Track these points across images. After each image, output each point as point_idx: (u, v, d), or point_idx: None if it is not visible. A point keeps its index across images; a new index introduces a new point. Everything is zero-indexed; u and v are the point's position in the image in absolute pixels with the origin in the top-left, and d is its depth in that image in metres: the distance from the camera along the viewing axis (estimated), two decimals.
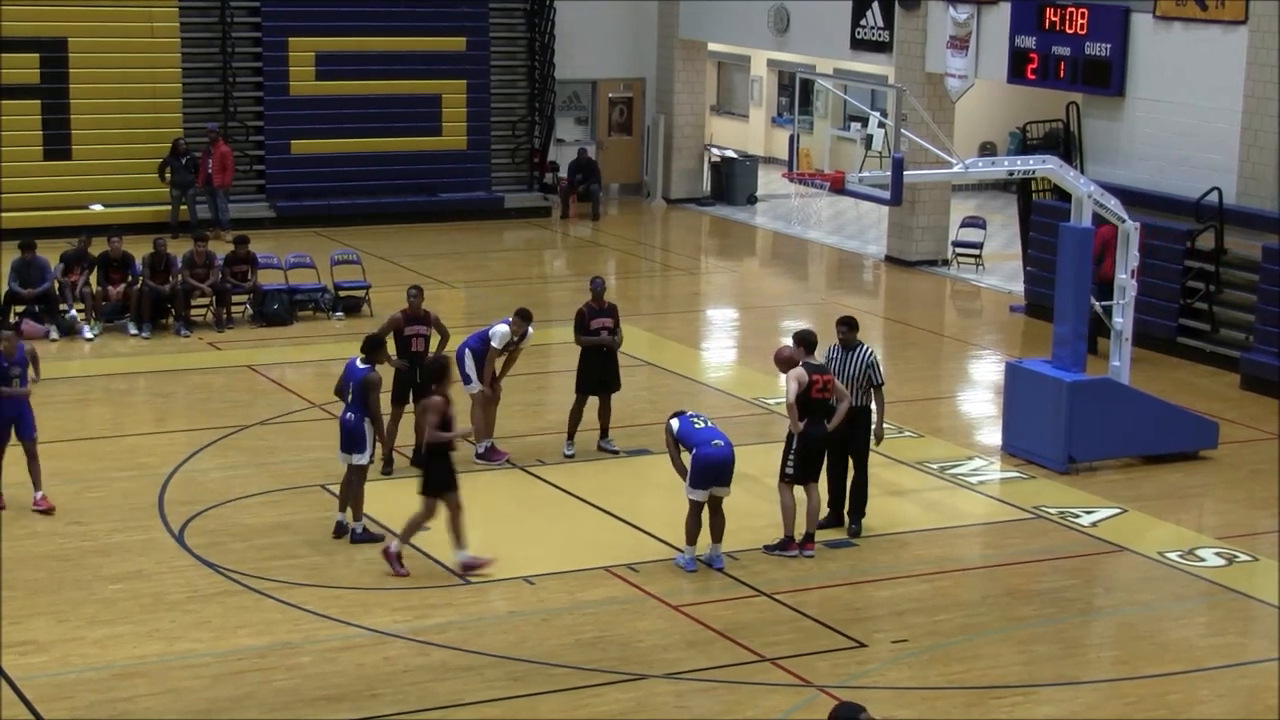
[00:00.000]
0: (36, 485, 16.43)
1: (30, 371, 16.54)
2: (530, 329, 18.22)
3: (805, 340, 15.89)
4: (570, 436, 18.42)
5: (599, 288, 18.58)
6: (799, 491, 15.77)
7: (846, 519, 16.39)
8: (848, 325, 16.53)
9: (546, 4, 34.00)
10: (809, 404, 15.59)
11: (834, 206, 34.54)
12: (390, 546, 15.23)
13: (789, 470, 15.73)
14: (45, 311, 23.59)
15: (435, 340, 18.09)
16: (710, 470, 15.11)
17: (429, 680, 13.11)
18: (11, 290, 23.56)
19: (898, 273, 29.43)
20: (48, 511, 16.31)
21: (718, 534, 15.38)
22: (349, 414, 15.87)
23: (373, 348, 16.23)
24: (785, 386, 15.70)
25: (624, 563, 15.28)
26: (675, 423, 15.38)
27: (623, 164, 36.03)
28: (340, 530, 15.99)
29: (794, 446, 15.70)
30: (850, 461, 16.33)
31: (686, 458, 15.24)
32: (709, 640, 13.97)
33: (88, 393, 21.15)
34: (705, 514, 15.29)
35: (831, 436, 15.82)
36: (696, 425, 15.29)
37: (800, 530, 15.77)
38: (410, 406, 17.77)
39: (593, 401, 18.38)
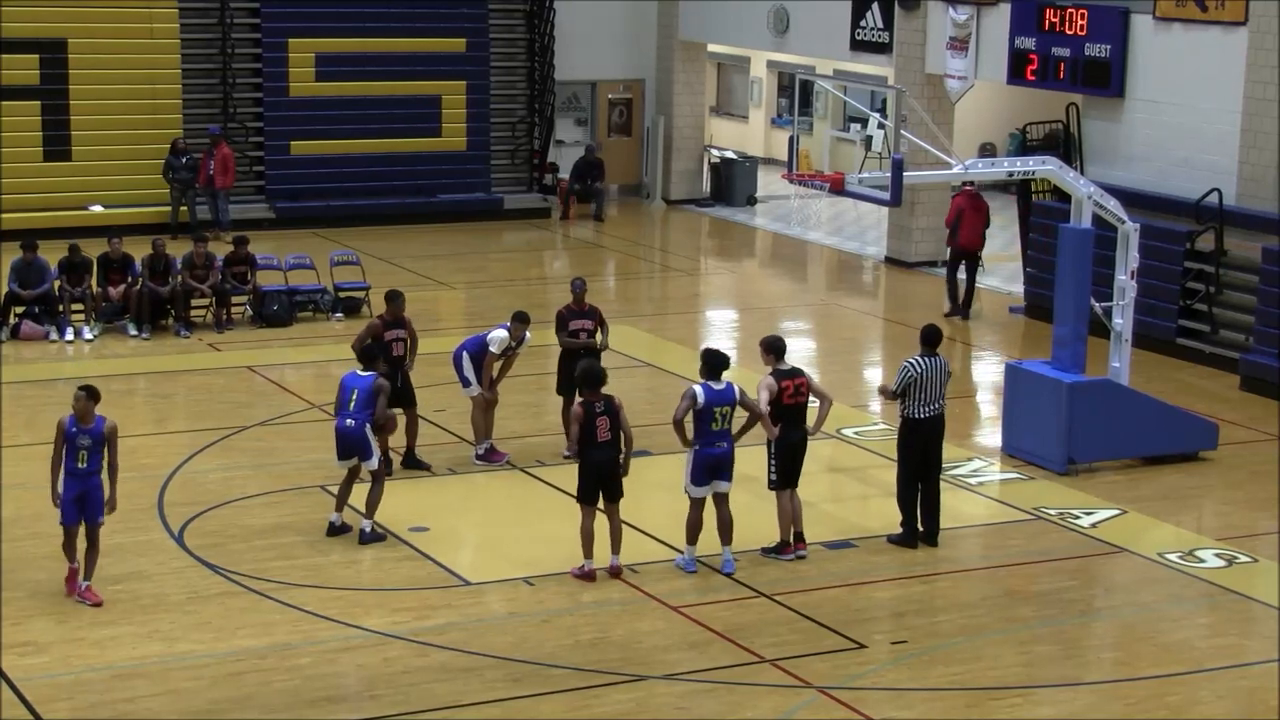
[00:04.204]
0: (85, 573, 14.42)
1: (106, 457, 14.32)
2: (528, 333, 18.21)
3: (774, 347, 15.81)
4: (569, 436, 18.39)
5: (579, 289, 18.56)
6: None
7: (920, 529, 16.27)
8: (920, 336, 16.35)
9: (546, 5, 34.00)
10: (782, 410, 15.53)
11: (833, 207, 34.52)
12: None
13: (773, 476, 15.71)
14: (45, 313, 23.59)
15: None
16: (710, 466, 15.09)
17: (429, 681, 13.11)
18: (11, 291, 23.56)
19: (897, 274, 29.44)
20: (95, 605, 14.30)
21: (726, 535, 15.33)
22: (349, 420, 15.86)
23: (370, 357, 16.26)
24: (757, 396, 15.60)
25: (624, 564, 15.27)
26: (700, 396, 15.02)
27: (622, 165, 36.02)
28: (334, 529, 15.99)
29: (772, 452, 15.67)
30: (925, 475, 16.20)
31: (689, 426, 15.12)
32: (709, 641, 13.98)
33: None
34: (707, 514, 15.27)
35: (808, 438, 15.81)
36: (714, 427, 15.10)
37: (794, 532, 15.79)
38: (401, 411, 17.78)
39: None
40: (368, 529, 15.88)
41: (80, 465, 14.21)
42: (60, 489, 14.28)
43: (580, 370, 15.41)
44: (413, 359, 17.98)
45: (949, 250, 26.45)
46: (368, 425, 15.88)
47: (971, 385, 23.04)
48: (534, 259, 31.02)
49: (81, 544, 14.44)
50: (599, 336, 18.56)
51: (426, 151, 32.92)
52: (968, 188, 26.11)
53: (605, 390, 15.12)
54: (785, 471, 15.63)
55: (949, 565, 15.90)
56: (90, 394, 14.23)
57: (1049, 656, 13.93)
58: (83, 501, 14.26)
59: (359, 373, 16.09)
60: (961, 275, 26.21)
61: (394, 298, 18.04)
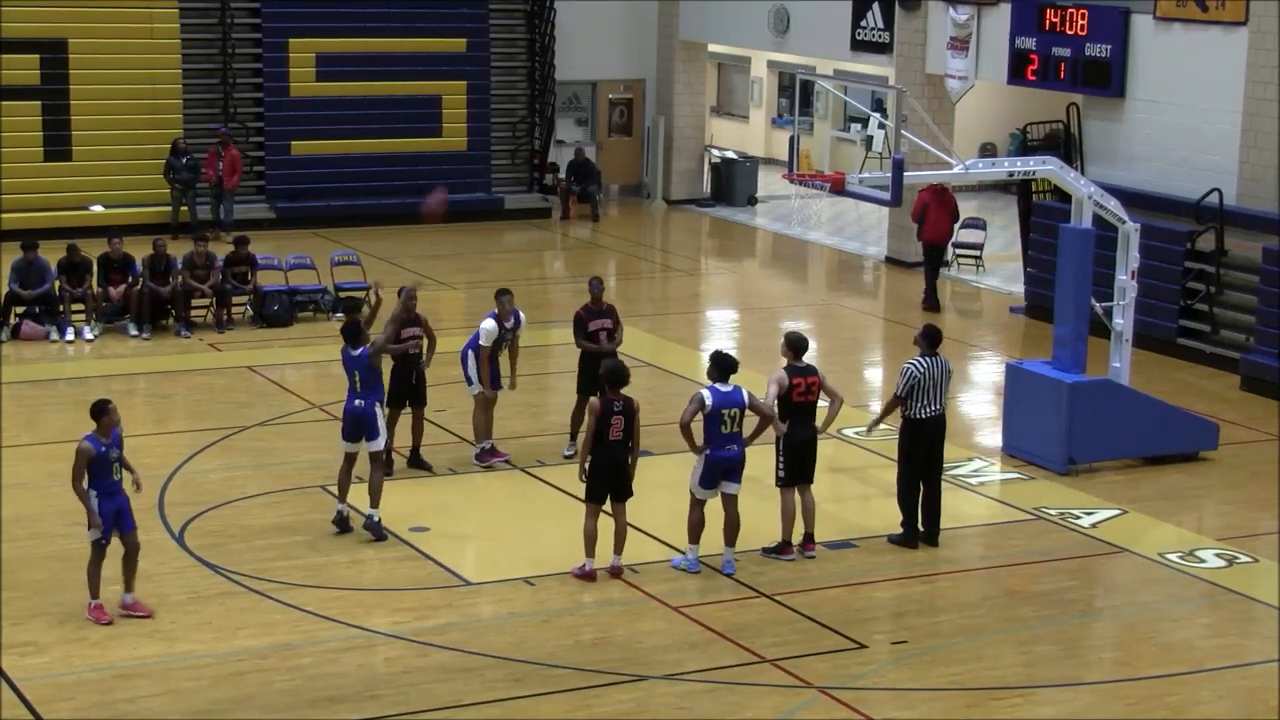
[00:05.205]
0: (127, 586, 14.16)
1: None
2: (521, 314, 18.13)
3: (792, 343, 15.83)
4: (572, 437, 18.40)
5: (597, 289, 18.51)
6: (796, 494, 15.76)
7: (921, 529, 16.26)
8: (921, 334, 16.37)
9: (546, 5, 34.01)
10: (791, 406, 15.54)
11: (834, 208, 34.56)
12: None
13: (781, 474, 15.72)
14: (45, 313, 23.58)
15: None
16: (720, 469, 15.09)
17: (430, 681, 13.11)
18: (12, 291, 23.56)
19: (898, 274, 29.43)
20: (146, 616, 14.07)
21: (731, 537, 15.32)
22: (358, 400, 15.91)
23: (354, 331, 16.17)
24: (766, 391, 15.62)
25: (624, 564, 15.27)
26: (709, 402, 15.00)
27: (623, 165, 36.03)
28: (340, 518, 15.99)
29: (780, 449, 15.68)
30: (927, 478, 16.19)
31: (697, 429, 15.12)
32: (709, 641, 13.98)
33: (87, 393, 21.02)
34: (714, 514, 15.25)
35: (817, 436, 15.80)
36: (723, 430, 15.07)
37: (799, 532, 15.76)
38: (407, 409, 17.78)
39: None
40: (375, 517, 15.86)
41: (116, 477, 13.95)
42: (97, 508, 13.86)
43: (606, 368, 15.38)
44: (430, 357, 17.90)
45: (921, 246, 26.80)
46: (377, 405, 15.93)
47: (972, 385, 23.03)
48: (534, 259, 31.02)
49: (118, 567, 14.17)
50: (616, 334, 18.48)
51: (427, 151, 32.91)
52: (933, 183, 26.19)
53: (626, 391, 15.11)
54: (792, 469, 15.62)
55: (949, 565, 15.90)
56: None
57: (1049, 656, 13.93)
58: (118, 514, 13.98)
59: (351, 351, 16.09)
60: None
61: (400, 292, 17.93)
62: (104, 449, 13.87)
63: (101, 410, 13.96)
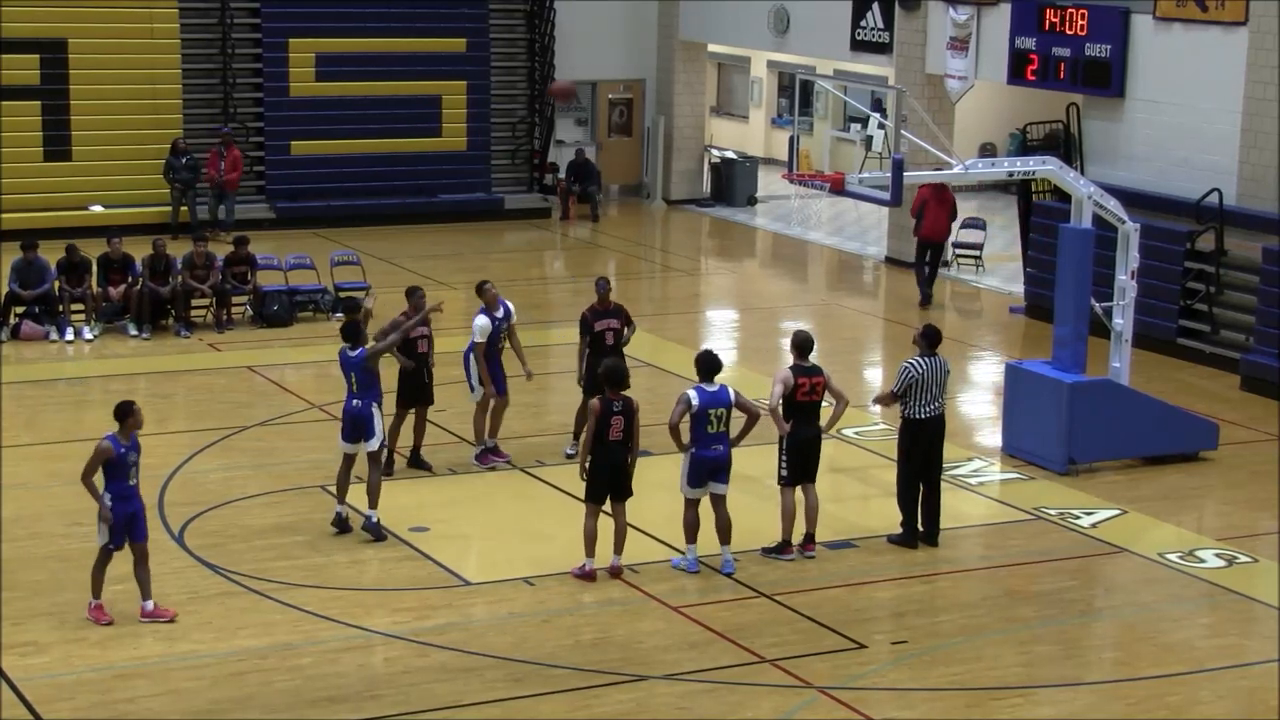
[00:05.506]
0: (145, 594, 14.06)
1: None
2: (509, 303, 18.09)
3: (799, 343, 15.84)
4: (576, 435, 18.37)
5: (603, 289, 18.42)
6: (799, 493, 15.77)
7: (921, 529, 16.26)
8: (920, 334, 16.37)
9: (546, 5, 34.01)
10: (795, 406, 15.55)
11: (834, 208, 34.55)
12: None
13: (783, 472, 15.73)
14: (45, 313, 23.58)
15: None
16: (707, 469, 15.11)
17: (430, 681, 13.12)
18: (11, 291, 23.55)
19: (898, 274, 29.42)
20: (169, 621, 14.02)
21: (725, 536, 15.33)
22: (355, 401, 15.93)
23: (354, 332, 16.18)
24: (771, 390, 15.62)
25: (624, 564, 15.27)
26: (695, 401, 15.05)
27: (623, 165, 36.03)
28: (340, 519, 15.99)
29: (783, 448, 15.69)
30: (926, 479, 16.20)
31: (685, 429, 15.15)
32: (709, 641, 13.98)
33: (87, 393, 21.18)
34: (705, 514, 15.28)
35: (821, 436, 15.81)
36: (710, 430, 15.13)
37: (800, 531, 15.77)
38: (415, 409, 17.78)
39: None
40: (374, 518, 15.87)
41: (131, 482, 13.81)
42: (109, 508, 13.75)
43: (605, 368, 15.39)
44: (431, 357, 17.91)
45: (916, 242, 26.84)
46: (374, 405, 15.92)
47: (972, 385, 23.04)
48: (534, 259, 31.02)
49: (121, 566, 14.12)
50: (625, 333, 18.39)
51: (427, 151, 32.92)
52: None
53: (626, 392, 15.12)
54: (795, 468, 15.62)
55: (949, 565, 15.90)
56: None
57: (1049, 656, 13.93)
58: (132, 521, 13.87)
59: (349, 352, 16.10)
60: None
61: (411, 293, 17.92)
62: (123, 451, 13.74)
63: (127, 412, 13.82)
